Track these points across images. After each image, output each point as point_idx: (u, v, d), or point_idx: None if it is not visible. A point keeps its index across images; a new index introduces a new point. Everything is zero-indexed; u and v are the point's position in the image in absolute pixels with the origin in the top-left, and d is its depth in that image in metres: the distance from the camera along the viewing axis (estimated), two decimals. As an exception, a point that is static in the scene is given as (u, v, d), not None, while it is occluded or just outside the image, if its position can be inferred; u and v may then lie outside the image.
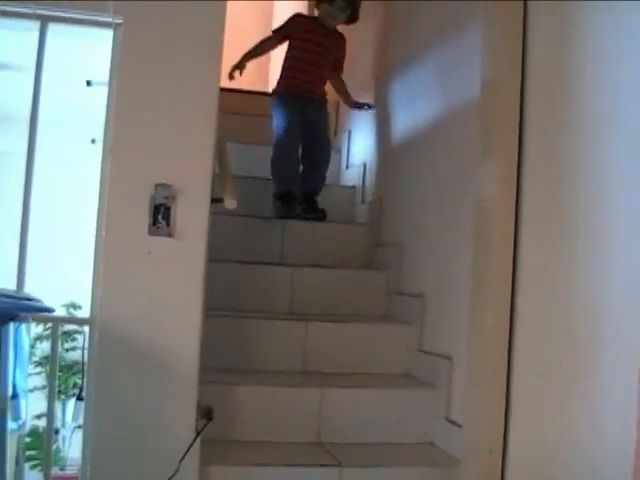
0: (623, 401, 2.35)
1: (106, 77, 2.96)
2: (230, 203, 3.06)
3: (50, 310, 2.24)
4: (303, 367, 3.76)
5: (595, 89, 2.69)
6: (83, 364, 2.91)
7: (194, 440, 2.90)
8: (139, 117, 2.89)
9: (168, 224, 2.83)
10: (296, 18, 5.00)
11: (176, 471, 2.81)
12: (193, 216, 2.89)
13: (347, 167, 5.58)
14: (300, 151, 4.81)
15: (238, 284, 4.07)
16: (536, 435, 2.90)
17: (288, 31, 4.93)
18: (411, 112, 4.37)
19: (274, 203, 4.68)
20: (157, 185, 2.83)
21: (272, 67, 7.54)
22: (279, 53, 7.23)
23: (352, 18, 4.94)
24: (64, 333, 5.57)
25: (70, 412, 3.56)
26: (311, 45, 4.86)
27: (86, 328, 2.97)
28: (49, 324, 3.28)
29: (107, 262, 2.85)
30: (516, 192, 3.10)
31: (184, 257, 2.89)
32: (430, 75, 4.12)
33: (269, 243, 4.50)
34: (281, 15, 7.14)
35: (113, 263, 2.86)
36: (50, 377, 2.95)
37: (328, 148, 4.92)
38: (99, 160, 2.97)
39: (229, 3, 3.00)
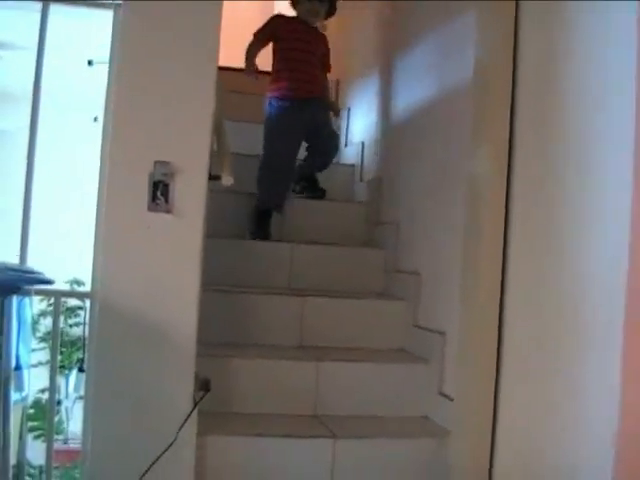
0: (605, 377, 2.43)
1: (107, 56, 3.02)
2: (227, 180, 3.13)
3: (50, 282, 2.31)
4: (300, 342, 3.83)
5: (583, 73, 2.75)
6: (84, 337, 2.97)
7: (192, 410, 2.95)
8: (138, 96, 2.93)
9: (167, 201, 2.87)
10: (276, 19, 4.81)
11: (174, 440, 2.87)
12: (191, 193, 2.94)
13: (346, 145, 5.63)
14: (305, 147, 4.73)
15: (236, 260, 4.13)
16: (524, 408, 2.99)
17: (270, 32, 4.72)
18: (409, 94, 4.42)
19: (249, 217, 4.46)
20: (156, 162, 2.87)
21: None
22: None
23: (331, 11, 4.83)
24: (67, 309, 5.65)
25: (72, 383, 3.64)
26: (299, 44, 4.70)
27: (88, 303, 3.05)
28: (52, 300, 3.35)
29: (107, 238, 2.91)
30: (507, 175, 3.17)
31: (182, 233, 2.94)
32: (429, 57, 4.17)
33: None
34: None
35: (113, 238, 2.91)
36: (52, 349, 3.02)
37: (335, 141, 4.84)
38: (100, 137, 3.03)
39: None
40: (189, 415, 2.95)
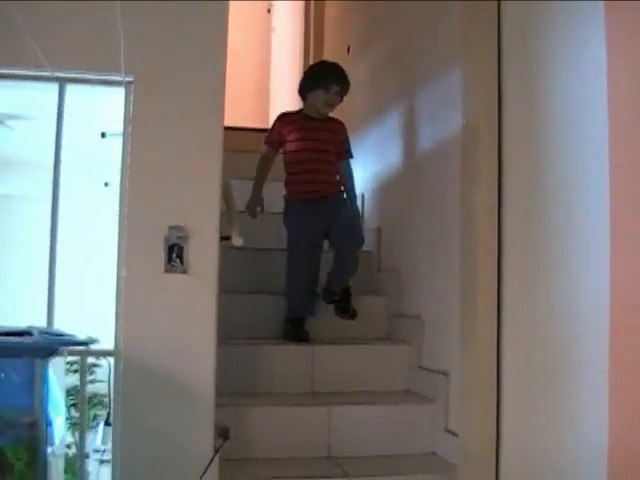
0: (597, 407, 2.60)
1: (119, 129, 3.20)
2: (237, 240, 3.30)
3: (86, 343, 2.48)
4: (311, 388, 3.96)
5: (562, 121, 2.96)
6: (110, 392, 3.15)
7: (212, 458, 3.11)
8: (151, 165, 3.12)
9: (182, 262, 3.06)
10: (282, 119, 4.51)
11: (198, 487, 3.05)
12: (204, 254, 3.12)
13: (347, 197, 5.79)
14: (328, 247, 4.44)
15: (248, 313, 4.31)
16: (525, 441, 3.15)
17: (279, 135, 4.46)
18: (404, 147, 4.62)
19: (285, 325, 4.33)
20: (170, 227, 3.07)
21: (272, 103, 7.80)
22: (277, 87, 7.44)
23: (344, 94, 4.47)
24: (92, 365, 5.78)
25: (100, 436, 3.80)
26: (309, 144, 4.41)
27: (105, 361, 3.22)
28: (69, 359, 3.52)
29: (127, 298, 3.09)
30: (498, 221, 3.37)
31: (197, 291, 3.11)
32: (421, 113, 4.39)
33: (275, 272, 4.61)
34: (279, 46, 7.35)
35: (133, 299, 3.09)
36: (80, 402, 3.20)
37: (358, 231, 4.40)
38: (112, 201, 3.22)
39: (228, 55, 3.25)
40: (210, 462, 3.10)
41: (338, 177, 4.53)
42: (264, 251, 4.65)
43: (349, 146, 4.60)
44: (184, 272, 3.09)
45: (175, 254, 3.07)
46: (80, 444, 3.19)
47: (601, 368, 2.56)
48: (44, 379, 2.13)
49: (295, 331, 4.26)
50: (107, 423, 3.20)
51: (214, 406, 3.17)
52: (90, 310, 4.29)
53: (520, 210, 3.26)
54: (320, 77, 4.41)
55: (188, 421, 3.13)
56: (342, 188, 4.53)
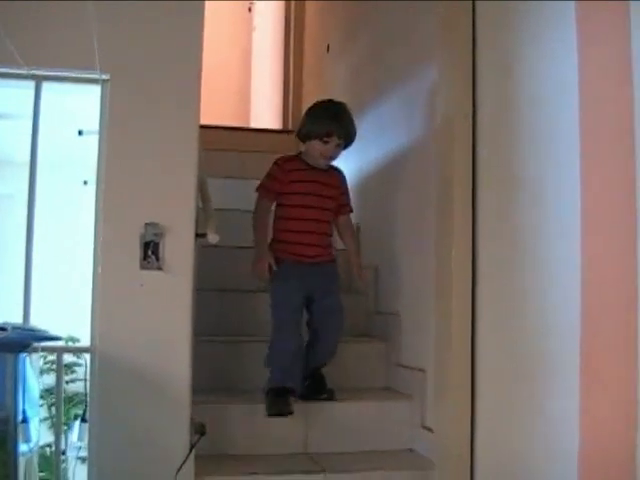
0: (569, 402, 2.63)
1: (96, 126, 3.22)
2: (213, 238, 3.31)
3: (58, 338, 2.49)
4: None
5: (535, 119, 2.99)
6: (86, 388, 3.16)
7: (188, 454, 3.13)
8: (127, 163, 3.14)
9: (157, 259, 3.08)
10: (282, 166, 3.90)
11: (174, 482, 3.06)
12: (180, 250, 3.14)
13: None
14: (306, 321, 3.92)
15: (224, 310, 4.31)
16: (499, 437, 3.18)
17: (279, 184, 3.86)
18: (379, 145, 4.65)
19: (265, 396, 3.70)
20: (146, 224, 3.08)
21: (254, 102, 7.82)
22: (258, 86, 7.43)
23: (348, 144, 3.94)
24: (65, 366, 5.79)
25: (76, 433, 3.82)
26: (311, 199, 3.87)
27: (86, 357, 3.23)
28: (49, 358, 3.54)
29: (103, 295, 3.10)
30: (472, 220, 3.41)
31: (173, 288, 3.13)
32: (396, 110, 4.43)
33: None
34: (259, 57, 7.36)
35: (109, 296, 3.10)
36: (57, 400, 3.21)
37: (340, 316, 3.90)
38: (91, 199, 3.23)
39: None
40: (186, 458, 3.12)
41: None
42: (242, 249, 4.65)
43: (349, 198, 4.12)
44: (160, 269, 3.10)
45: (151, 251, 3.08)
46: (56, 441, 3.20)
47: (573, 364, 2.58)
48: (16, 374, 2.13)
49: (278, 404, 3.66)
50: (83, 420, 3.21)
51: (190, 402, 3.19)
52: (70, 308, 4.29)
53: (494, 204, 3.29)
54: (319, 125, 3.84)
55: (164, 417, 3.14)
56: (334, 254, 4.02)
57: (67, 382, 6.02)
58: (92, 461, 3.16)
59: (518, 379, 3.04)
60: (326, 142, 3.80)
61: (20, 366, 2.20)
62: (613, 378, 2.41)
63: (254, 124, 7.58)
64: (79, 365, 4.58)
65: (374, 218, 4.74)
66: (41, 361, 5.15)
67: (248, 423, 3.69)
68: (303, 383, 3.81)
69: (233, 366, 4.02)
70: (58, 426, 3.30)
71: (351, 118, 3.89)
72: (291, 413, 3.61)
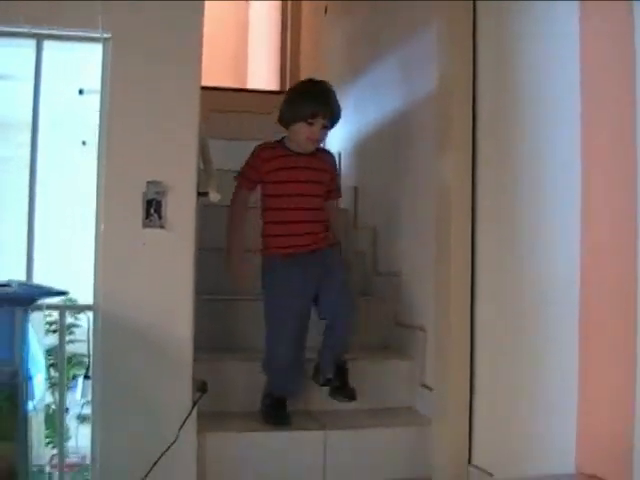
0: (564, 362, 2.66)
1: (97, 85, 3.22)
2: (214, 197, 3.33)
3: (65, 293, 2.50)
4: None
5: (534, 82, 3.00)
6: (89, 345, 3.19)
7: (191, 410, 3.17)
8: (129, 121, 3.15)
9: (160, 217, 3.10)
10: (261, 153, 3.66)
11: (176, 438, 3.09)
12: (182, 209, 3.15)
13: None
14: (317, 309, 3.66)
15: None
16: (497, 395, 3.21)
17: (257, 174, 3.64)
18: (378, 106, 4.65)
19: (262, 402, 3.66)
20: (148, 182, 3.09)
21: (250, 63, 7.80)
22: (255, 47, 7.42)
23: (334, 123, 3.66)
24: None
25: (79, 390, 3.84)
26: (295, 186, 3.62)
27: (84, 318, 3.27)
28: (47, 319, 3.56)
29: (106, 253, 3.13)
30: (472, 178, 3.41)
31: (175, 246, 3.15)
32: (394, 72, 4.43)
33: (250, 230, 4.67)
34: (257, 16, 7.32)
35: (112, 254, 3.13)
36: (59, 357, 3.23)
37: (350, 300, 3.64)
38: (90, 160, 3.23)
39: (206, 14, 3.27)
40: (189, 415, 3.16)
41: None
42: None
43: (339, 183, 3.91)
44: (162, 227, 3.12)
45: (153, 209, 3.10)
46: (60, 398, 3.23)
47: (571, 321, 2.61)
48: (24, 329, 2.16)
49: (275, 412, 3.61)
50: (86, 377, 3.24)
51: (192, 360, 3.22)
52: (67, 269, 4.29)
53: (494, 162, 3.29)
54: (301, 106, 3.58)
55: (166, 374, 3.18)
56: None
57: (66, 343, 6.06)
58: (95, 417, 3.20)
59: (517, 337, 3.06)
60: (311, 124, 3.54)
61: (26, 321, 2.22)
62: (611, 334, 2.43)
63: (251, 87, 7.57)
64: (77, 326, 4.59)
65: (372, 179, 4.76)
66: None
67: (249, 381, 3.72)
68: (325, 374, 3.60)
69: (234, 325, 4.05)
70: (61, 385, 3.32)
71: (335, 96, 3.65)
72: (288, 424, 3.55)
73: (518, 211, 3.08)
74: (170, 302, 3.18)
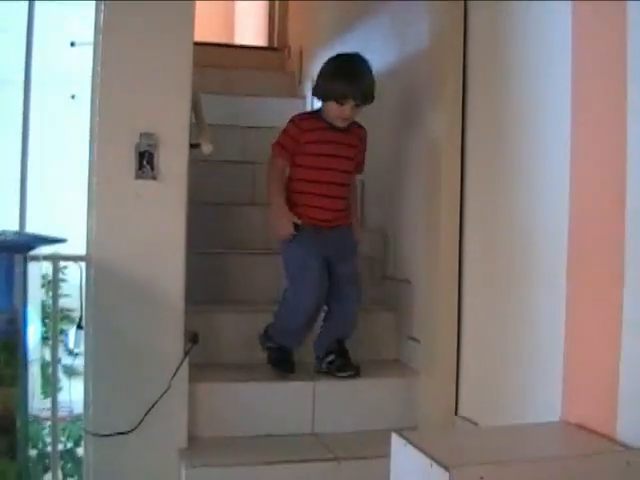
0: (551, 309, 2.70)
1: (89, 37, 3.23)
2: (207, 148, 3.36)
3: (63, 240, 2.52)
4: (277, 296, 3.92)
5: (526, 39, 3.01)
6: (81, 296, 3.22)
7: (182, 360, 3.22)
8: (122, 73, 3.15)
9: (152, 168, 3.12)
10: (300, 124, 3.61)
11: (168, 387, 3.15)
12: (174, 160, 3.18)
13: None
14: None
15: (217, 224, 4.35)
16: (485, 346, 3.26)
17: (295, 144, 3.58)
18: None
19: (266, 342, 3.70)
20: (141, 134, 3.12)
21: (237, 19, 7.78)
22: (247, 5, 7.38)
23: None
24: (49, 282, 5.82)
25: (72, 340, 3.88)
26: (324, 160, 3.59)
27: (72, 270, 3.31)
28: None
29: (99, 204, 3.16)
30: (462, 133, 3.43)
31: (168, 197, 3.19)
32: (385, 28, 4.44)
33: (241, 184, 4.71)
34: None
35: (104, 205, 3.16)
36: (53, 306, 3.27)
37: (358, 285, 3.70)
38: (79, 114, 3.25)
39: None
40: (180, 364, 3.21)
41: None
42: (232, 163, 4.70)
43: (364, 157, 3.85)
44: (154, 178, 3.14)
45: (146, 161, 3.12)
46: (53, 349, 3.27)
47: (557, 274, 2.65)
48: (23, 276, 2.18)
49: (280, 361, 3.64)
50: (79, 327, 3.27)
51: (183, 310, 3.27)
52: (62, 219, 4.33)
53: (484, 118, 3.32)
54: (332, 86, 3.54)
55: (158, 324, 3.23)
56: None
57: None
58: (88, 366, 3.24)
59: (504, 288, 3.10)
60: (342, 104, 3.51)
61: (23, 268, 2.24)
62: (599, 281, 2.46)
63: (239, 42, 7.55)
64: (64, 281, 4.62)
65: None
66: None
67: (240, 333, 3.78)
68: (325, 358, 3.65)
69: (226, 278, 4.09)
70: (54, 338, 3.37)
71: (367, 75, 3.58)
72: (292, 372, 3.59)
73: (509, 152, 3.11)
74: (162, 253, 3.22)
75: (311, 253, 3.54)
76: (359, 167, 3.80)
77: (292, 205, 3.60)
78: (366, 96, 3.55)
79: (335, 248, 3.61)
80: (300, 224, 3.54)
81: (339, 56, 3.68)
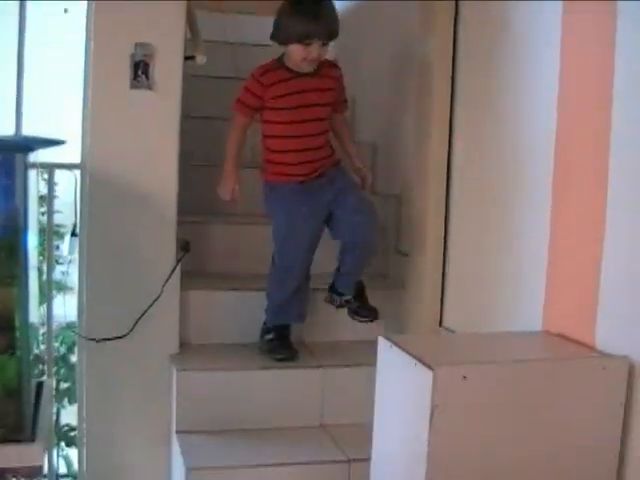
0: (535, 230, 2.75)
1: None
2: (201, 59, 3.39)
3: (62, 142, 2.54)
4: None
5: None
6: (75, 204, 3.27)
7: (175, 267, 3.31)
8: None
9: (147, 78, 3.16)
10: (261, 77, 3.25)
11: (161, 293, 3.25)
12: (170, 71, 3.22)
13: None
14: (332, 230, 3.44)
15: (210, 137, 4.36)
16: (470, 262, 3.33)
17: (258, 100, 3.27)
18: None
19: (262, 337, 3.51)
20: (137, 44, 3.14)
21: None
22: None
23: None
24: (40, 197, 5.87)
25: (66, 247, 3.93)
26: (301, 112, 3.28)
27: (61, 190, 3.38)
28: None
29: (94, 113, 3.19)
30: (452, 59, 3.44)
31: (162, 107, 3.23)
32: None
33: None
34: None
35: (99, 114, 3.20)
36: (48, 214, 3.34)
37: (369, 210, 3.42)
38: (72, 27, 3.27)
39: None
40: (172, 271, 3.30)
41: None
42: (225, 79, 4.69)
43: (345, 93, 3.56)
44: (149, 88, 3.18)
45: (141, 70, 3.15)
46: (48, 248, 3.33)
47: (542, 197, 2.70)
48: (24, 176, 2.21)
49: (279, 348, 3.44)
50: (73, 234, 3.33)
51: (176, 219, 3.34)
52: (56, 127, 4.34)
53: (474, 41, 3.33)
54: (293, 26, 3.18)
55: (151, 232, 3.31)
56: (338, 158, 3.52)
57: (42, 214, 6.12)
58: (82, 273, 3.33)
59: (491, 203, 3.14)
60: (308, 45, 3.17)
61: (25, 168, 2.26)
62: (582, 194, 2.50)
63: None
64: (55, 197, 4.66)
65: (349, 50, 4.75)
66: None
67: (230, 242, 3.84)
68: (343, 296, 3.50)
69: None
70: (49, 248, 3.44)
71: (330, 9, 3.24)
72: (293, 360, 3.41)
73: (496, 88, 3.13)
74: (156, 162, 3.28)
75: (299, 215, 3.34)
76: (341, 107, 3.51)
77: (272, 164, 3.38)
78: (332, 32, 3.23)
79: (330, 193, 3.36)
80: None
81: None
